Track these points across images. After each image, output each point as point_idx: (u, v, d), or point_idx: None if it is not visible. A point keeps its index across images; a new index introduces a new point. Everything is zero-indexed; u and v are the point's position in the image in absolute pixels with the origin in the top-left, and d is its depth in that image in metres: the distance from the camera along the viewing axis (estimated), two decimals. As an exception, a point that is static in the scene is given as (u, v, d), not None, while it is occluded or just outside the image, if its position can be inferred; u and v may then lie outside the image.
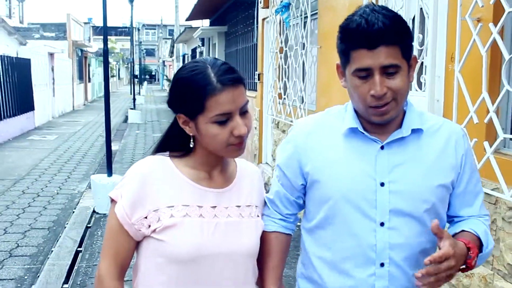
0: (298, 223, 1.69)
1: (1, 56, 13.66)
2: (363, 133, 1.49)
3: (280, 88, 6.80)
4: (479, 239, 1.45)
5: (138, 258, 1.49)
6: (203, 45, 16.58)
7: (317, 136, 1.58)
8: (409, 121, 1.49)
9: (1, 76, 13.43)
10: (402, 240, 1.48)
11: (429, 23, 3.07)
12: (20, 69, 15.44)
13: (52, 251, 5.15)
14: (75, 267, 4.78)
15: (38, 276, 4.49)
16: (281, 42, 6.67)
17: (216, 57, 12.26)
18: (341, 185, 1.50)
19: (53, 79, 21.10)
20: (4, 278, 4.48)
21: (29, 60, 16.73)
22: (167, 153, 1.50)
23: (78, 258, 5.01)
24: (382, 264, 1.48)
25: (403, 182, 1.47)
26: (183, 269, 1.41)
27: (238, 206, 1.51)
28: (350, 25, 1.40)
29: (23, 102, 15.30)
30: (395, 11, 1.49)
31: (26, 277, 4.51)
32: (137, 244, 1.47)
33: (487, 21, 2.63)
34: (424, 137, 1.50)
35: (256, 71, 8.78)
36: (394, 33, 1.37)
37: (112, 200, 1.45)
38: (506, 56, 2.43)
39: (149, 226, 1.42)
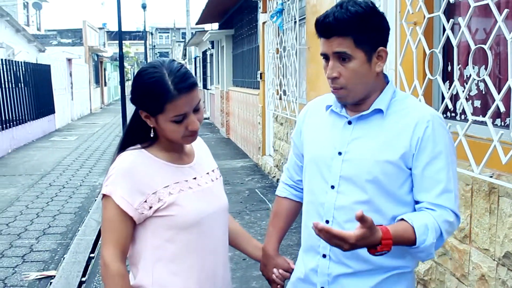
0: None
1: (23, 62, 14.59)
2: (334, 110, 1.71)
3: (277, 85, 7.56)
4: (414, 230, 1.48)
5: (140, 240, 1.66)
6: (213, 47, 17.33)
7: (312, 112, 1.84)
8: (376, 102, 1.63)
9: (24, 82, 14.34)
10: (345, 203, 1.63)
11: (380, 27, 3.80)
12: (41, 75, 16.37)
13: (79, 229, 5.96)
14: (99, 242, 5.58)
15: (69, 248, 5.31)
16: (277, 44, 7.44)
17: (224, 59, 12.83)
18: (311, 150, 1.77)
19: (71, 83, 22.08)
20: (41, 249, 5.32)
21: (49, 66, 17.67)
22: (138, 146, 1.69)
23: (100, 241, 5.81)
24: (327, 221, 1.67)
25: (355, 152, 1.63)
26: (190, 234, 1.65)
27: (208, 173, 1.79)
28: (318, 18, 1.60)
29: (44, 106, 16.27)
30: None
31: (58, 249, 5.33)
32: (136, 228, 1.65)
33: (420, 24, 3.36)
34: (388, 117, 1.62)
35: (259, 70, 9.55)
36: (346, 26, 1.52)
37: (104, 196, 1.61)
38: (427, 51, 3.16)
39: (150, 207, 1.60)
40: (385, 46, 1.62)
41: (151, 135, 1.68)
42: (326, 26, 1.56)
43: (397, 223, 1.52)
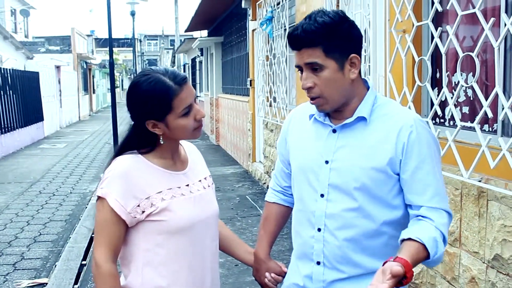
0: None
1: (11, 70, 14.51)
2: (318, 119, 1.74)
3: (267, 92, 7.62)
4: (425, 246, 1.49)
5: (131, 242, 1.70)
6: (202, 54, 17.36)
7: (296, 121, 1.87)
8: (359, 110, 1.66)
9: (12, 89, 14.25)
10: (335, 211, 1.67)
11: (370, 34, 3.87)
12: (29, 82, 16.29)
13: (70, 237, 5.95)
14: (91, 249, 5.57)
15: (60, 255, 5.30)
16: (267, 51, 7.50)
17: (214, 66, 12.89)
18: (298, 159, 1.80)
19: (60, 91, 21.99)
20: (32, 257, 5.30)
21: (37, 73, 17.59)
22: (135, 151, 1.72)
23: (93, 242, 5.81)
24: (319, 229, 1.70)
25: (342, 161, 1.66)
26: (181, 239, 1.69)
27: (200, 181, 1.83)
28: (289, 31, 1.65)
29: (33, 113, 16.17)
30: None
31: (50, 257, 5.32)
32: (129, 231, 1.69)
33: (409, 32, 3.42)
34: (372, 124, 1.65)
35: (248, 77, 9.60)
36: (313, 37, 1.56)
37: (99, 198, 1.65)
38: (416, 58, 3.23)
39: (143, 212, 1.65)
40: (358, 53, 1.64)
41: (161, 142, 1.72)
42: (295, 39, 1.60)
43: (408, 245, 1.49)
